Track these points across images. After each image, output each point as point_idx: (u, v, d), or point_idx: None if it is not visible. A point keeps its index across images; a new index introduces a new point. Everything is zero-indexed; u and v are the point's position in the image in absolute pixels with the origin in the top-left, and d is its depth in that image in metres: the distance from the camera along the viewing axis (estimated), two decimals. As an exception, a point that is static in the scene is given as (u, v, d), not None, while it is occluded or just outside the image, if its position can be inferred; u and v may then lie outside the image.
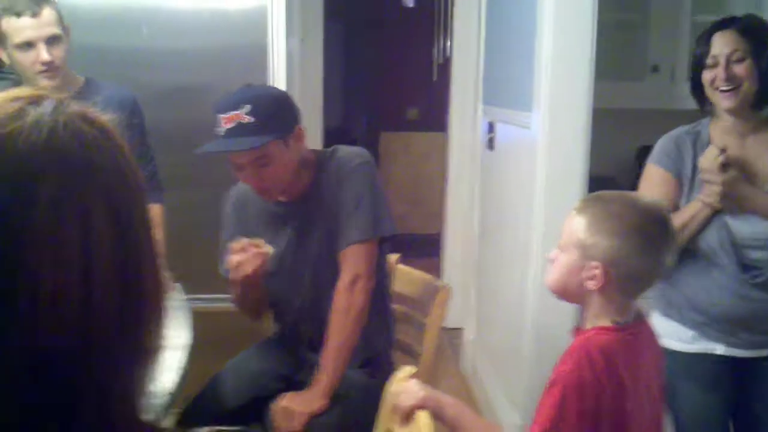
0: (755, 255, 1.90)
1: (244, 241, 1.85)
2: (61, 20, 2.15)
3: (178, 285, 2.16)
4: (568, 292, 1.47)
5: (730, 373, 1.99)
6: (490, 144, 3.41)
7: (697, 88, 1.97)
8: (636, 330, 1.45)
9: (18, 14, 2.06)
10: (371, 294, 1.93)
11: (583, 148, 2.53)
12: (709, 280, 1.94)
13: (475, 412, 1.60)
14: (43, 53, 2.08)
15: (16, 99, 0.63)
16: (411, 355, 2.15)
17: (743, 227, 1.90)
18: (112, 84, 2.31)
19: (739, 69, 1.88)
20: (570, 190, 2.51)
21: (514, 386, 2.89)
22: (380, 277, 2.04)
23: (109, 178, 0.64)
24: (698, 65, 1.95)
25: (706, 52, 1.92)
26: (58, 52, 2.12)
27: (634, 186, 2.26)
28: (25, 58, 2.11)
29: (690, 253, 1.94)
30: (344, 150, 1.99)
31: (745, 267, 1.90)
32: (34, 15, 2.07)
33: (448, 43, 4.47)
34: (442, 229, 4.55)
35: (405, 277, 2.25)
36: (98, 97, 2.21)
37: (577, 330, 1.48)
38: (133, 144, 2.38)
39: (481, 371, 3.46)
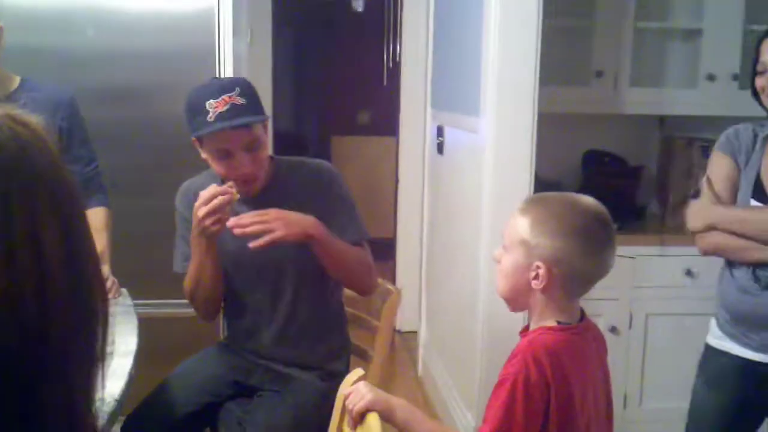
0: None
1: (213, 187, 1.81)
2: None
3: (124, 290, 2.13)
4: (517, 294, 1.48)
5: (740, 375, 2.00)
6: (440, 148, 3.44)
7: (756, 94, 1.99)
8: (580, 329, 1.48)
9: None
10: (328, 320, 2.05)
11: (528, 152, 2.56)
12: (734, 279, 1.98)
13: (426, 413, 1.61)
14: None
15: None
16: (364, 358, 2.16)
17: None
18: (49, 83, 2.26)
19: None
20: (517, 194, 2.53)
21: (468, 387, 2.92)
22: (336, 301, 2.10)
23: (51, 178, 0.64)
24: (754, 72, 1.99)
25: (757, 60, 1.96)
26: None
27: (579, 190, 2.30)
28: None
29: None
30: (313, 160, 2.09)
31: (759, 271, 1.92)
32: None
33: (398, 48, 4.50)
34: (394, 233, 4.57)
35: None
36: (35, 94, 2.16)
37: (525, 330, 1.50)
38: (72, 144, 2.35)
39: (435, 373, 3.49)
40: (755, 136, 1.99)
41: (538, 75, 2.53)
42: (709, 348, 2.07)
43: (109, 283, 1.99)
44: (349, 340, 2.16)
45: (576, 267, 1.41)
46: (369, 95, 6.28)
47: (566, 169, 3.20)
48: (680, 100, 3.03)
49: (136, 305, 2.06)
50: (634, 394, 2.88)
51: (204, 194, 1.80)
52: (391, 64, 5.80)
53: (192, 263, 1.93)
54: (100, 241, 2.18)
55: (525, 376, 1.37)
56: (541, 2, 2.48)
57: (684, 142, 3.07)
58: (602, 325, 2.77)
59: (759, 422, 2.09)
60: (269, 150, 2.05)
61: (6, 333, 0.59)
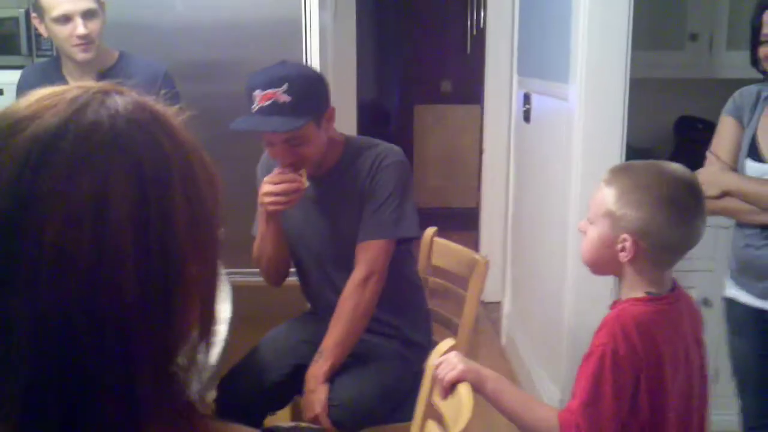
0: None
1: (278, 171, 1.87)
2: None
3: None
4: (601, 265, 1.47)
5: (754, 322, 2.08)
6: (526, 116, 3.38)
7: (756, 62, 1.99)
8: (672, 300, 1.45)
9: None
10: (405, 292, 2.02)
11: (620, 120, 2.50)
12: (742, 232, 2.07)
13: (514, 385, 1.62)
14: (80, 27, 2.14)
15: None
16: (450, 328, 2.16)
17: None
18: (144, 58, 2.35)
19: None
20: (607, 163, 2.47)
21: (553, 360, 2.90)
22: (410, 274, 2.09)
23: (137, 145, 0.63)
24: (755, 40, 1.97)
25: (759, 28, 1.95)
26: (94, 26, 2.18)
27: (671, 158, 2.26)
28: (61, 31, 2.17)
29: None
30: (385, 144, 2.01)
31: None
32: None
33: (482, 15, 4.43)
34: (478, 203, 4.54)
35: (442, 250, 2.25)
36: (132, 69, 2.25)
37: (615, 302, 1.48)
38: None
39: (520, 345, 3.47)
40: (758, 96, 2.02)
41: (630, 40, 2.46)
42: (725, 300, 2.17)
43: None
44: (429, 310, 2.17)
45: (664, 238, 1.39)
46: (452, 63, 6.23)
47: (658, 137, 3.11)
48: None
49: (228, 273, 2.13)
50: (726, 368, 2.80)
51: (272, 176, 1.86)
52: (474, 32, 5.74)
53: (258, 232, 2.01)
54: None
55: (613, 349, 1.35)
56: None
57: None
58: (695, 296, 2.69)
59: None
60: (342, 131, 2.01)
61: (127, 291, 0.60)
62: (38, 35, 2.56)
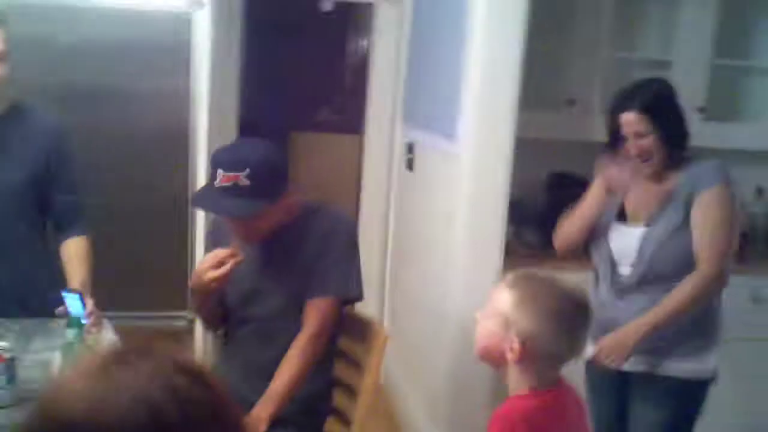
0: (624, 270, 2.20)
1: (220, 252, 1.94)
2: (8, 41, 2.07)
3: (106, 321, 2.12)
4: (489, 357, 1.55)
5: (610, 382, 2.26)
6: (409, 165, 3.46)
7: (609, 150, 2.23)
8: (555, 393, 1.52)
9: None
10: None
11: (506, 176, 2.67)
12: (596, 290, 2.27)
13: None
14: None
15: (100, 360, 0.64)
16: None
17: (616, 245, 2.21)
18: (38, 111, 2.23)
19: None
20: (491, 222, 2.65)
21: (435, 401, 2.96)
22: (335, 330, 2.12)
23: (207, 426, 0.65)
24: (615, 141, 2.20)
25: (618, 130, 2.16)
26: (4, 70, 2.04)
27: (545, 209, 2.60)
28: None
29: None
30: (334, 208, 2.15)
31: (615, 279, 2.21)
32: None
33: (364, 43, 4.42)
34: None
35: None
36: (25, 122, 2.14)
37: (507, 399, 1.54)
38: (59, 172, 2.33)
39: (396, 382, 3.53)
40: None
41: (518, 101, 2.59)
42: (585, 363, 2.25)
43: (94, 318, 1.96)
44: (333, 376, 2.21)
45: (551, 347, 1.48)
46: (331, 92, 6.25)
47: (530, 189, 3.24)
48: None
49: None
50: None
51: (210, 258, 1.93)
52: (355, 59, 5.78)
53: (195, 296, 2.08)
54: (83, 271, 2.17)
55: None
56: (525, 26, 2.55)
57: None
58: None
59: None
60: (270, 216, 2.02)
61: None
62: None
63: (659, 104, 2.13)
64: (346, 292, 2.03)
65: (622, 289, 2.18)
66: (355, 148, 4.64)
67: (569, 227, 2.30)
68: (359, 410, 2.04)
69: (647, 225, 2.15)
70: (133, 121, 2.92)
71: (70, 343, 1.66)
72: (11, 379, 1.68)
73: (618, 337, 2.11)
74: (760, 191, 3.33)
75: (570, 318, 1.49)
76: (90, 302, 1.99)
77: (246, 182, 1.85)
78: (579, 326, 1.51)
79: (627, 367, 2.17)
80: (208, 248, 2.12)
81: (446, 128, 2.86)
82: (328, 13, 5.91)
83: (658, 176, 2.17)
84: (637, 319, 2.10)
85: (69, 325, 1.77)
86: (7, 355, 1.68)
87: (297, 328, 1.99)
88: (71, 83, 2.80)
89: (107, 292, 2.16)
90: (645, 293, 2.14)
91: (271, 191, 1.91)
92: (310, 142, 6.22)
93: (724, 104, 3.19)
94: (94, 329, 1.87)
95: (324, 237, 2.01)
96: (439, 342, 2.86)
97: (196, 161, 3.06)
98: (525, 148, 2.71)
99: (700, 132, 2.81)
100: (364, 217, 4.36)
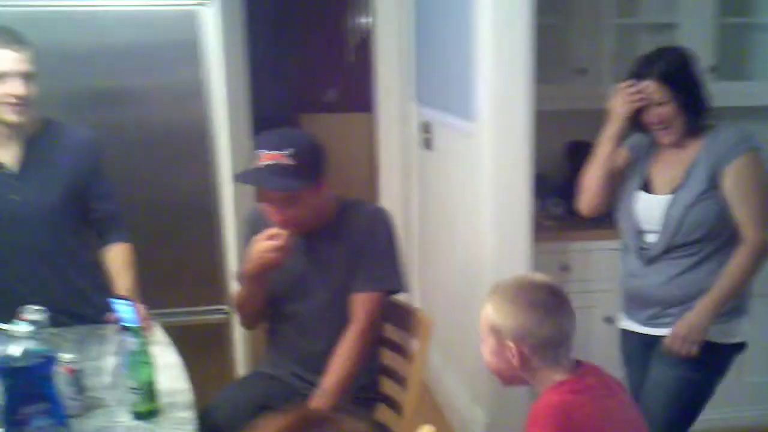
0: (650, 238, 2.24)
1: (270, 230, 2.01)
2: (36, 63, 2.14)
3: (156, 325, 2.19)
4: (505, 375, 1.62)
5: (643, 351, 2.31)
6: (427, 144, 3.51)
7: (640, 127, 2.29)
8: (580, 374, 1.57)
9: (1, 46, 2.06)
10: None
11: (527, 151, 2.70)
12: (625, 260, 2.33)
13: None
14: (20, 86, 2.07)
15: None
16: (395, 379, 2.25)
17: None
18: (71, 125, 2.29)
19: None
20: (516, 195, 2.72)
21: (475, 380, 3.03)
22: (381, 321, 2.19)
23: None
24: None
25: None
26: (33, 90, 2.11)
27: (567, 180, 2.63)
28: None
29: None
30: (371, 203, 2.23)
31: (642, 248, 2.26)
32: (17, 51, 2.08)
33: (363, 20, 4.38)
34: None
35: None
36: (58, 138, 2.20)
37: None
38: (95, 182, 2.39)
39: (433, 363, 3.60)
40: (651, 142, 2.28)
41: (533, 74, 2.62)
42: (620, 331, 2.43)
43: (146, 323, 2.04)
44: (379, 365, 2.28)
45: (539, 337, 1.53)
46: (337, 72, 6.24)
47: (550, 162, 3.28)
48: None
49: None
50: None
51: (263, 236, 2.01)
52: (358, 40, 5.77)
53: (243, 286, 2.15)
54: (128, 278, 2.26)
55: None
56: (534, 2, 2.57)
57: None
58: (598, 316, 2.93)
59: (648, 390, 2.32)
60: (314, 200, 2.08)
61: None
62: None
63: (677, 72, 2.17)
64: (391, 285, 2.10)
65: (649, 258, 2.24)
66: (363, 126, 4.64)
67: (588, 183, 2.36)
68: (410, 397, 2.09)
69: (672, 192, 2.20)
70: (151, 120, 2.95)
71: (136, 352, 1.73)
72: (80, 389, 1.77)
73: (690, 322, 2.15)
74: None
75: (544, 303, 1.55)
76: (141, 308, 2.06)
77: (289, 161, 1.92)
78: (556, 307, 1.56)
79: (659, 332, 2.23)
80: (246, 240, 2.16)
81: (463, 109, 2.90)
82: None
83: (679, 145, 2.21)
84: (699, 303, 2.15)
85: (127, 334, 1.80)
86: (74, 367, 1.76)
87: (341, 322, 2.06)
88: (88, 89, 2.82)
89: (143, 292, 2.25)
90: (672, 260, 2.20)
91: (312, 173, 1.98)
92: (319, 123, 6.24)
93: (733, 63, 3.22)
94: (147, 333, 1.95)
95: (366, 232, 2.08)
96: (474, 322, 2.90)
97: (218, 154, 3.09)
98: (541, 121, 2.75)
99: (714, 92, 2.87)
100: (384, 198, 4.41)
